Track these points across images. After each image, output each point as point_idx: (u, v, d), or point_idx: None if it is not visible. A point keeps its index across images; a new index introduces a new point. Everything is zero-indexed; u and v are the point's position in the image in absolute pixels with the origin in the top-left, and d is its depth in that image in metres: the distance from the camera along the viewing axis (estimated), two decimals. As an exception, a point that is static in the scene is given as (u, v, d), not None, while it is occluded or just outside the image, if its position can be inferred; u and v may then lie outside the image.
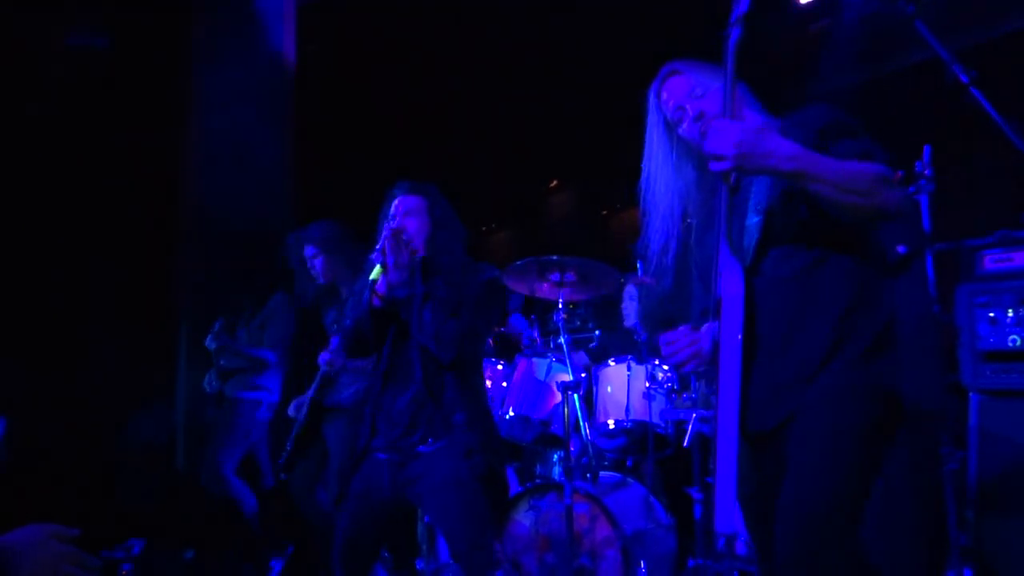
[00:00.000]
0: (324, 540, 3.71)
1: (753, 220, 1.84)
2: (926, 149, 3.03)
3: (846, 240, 1.78)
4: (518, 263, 3.19)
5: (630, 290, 4.23)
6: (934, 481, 2.90)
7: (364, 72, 6.82)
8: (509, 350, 4.49)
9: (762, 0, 1.69)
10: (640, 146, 2.02)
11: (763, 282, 1.81)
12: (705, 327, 1.83)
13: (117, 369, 5.22)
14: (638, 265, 3.99)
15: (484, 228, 9.72)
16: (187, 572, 4.34)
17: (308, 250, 3.72)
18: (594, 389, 3.66)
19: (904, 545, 3.01)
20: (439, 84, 6.93)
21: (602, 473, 3.58)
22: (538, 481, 3.39)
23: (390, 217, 2.60)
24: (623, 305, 4.32)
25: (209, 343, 4.28)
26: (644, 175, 2.00)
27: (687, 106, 1.92)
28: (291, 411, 3.77)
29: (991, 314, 2.76)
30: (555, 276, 3.27)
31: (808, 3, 5.80)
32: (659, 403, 3.50)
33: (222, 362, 4.39)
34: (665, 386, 3.53)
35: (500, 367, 3.73)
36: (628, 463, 3.87)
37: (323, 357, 3.24)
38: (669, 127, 1.97)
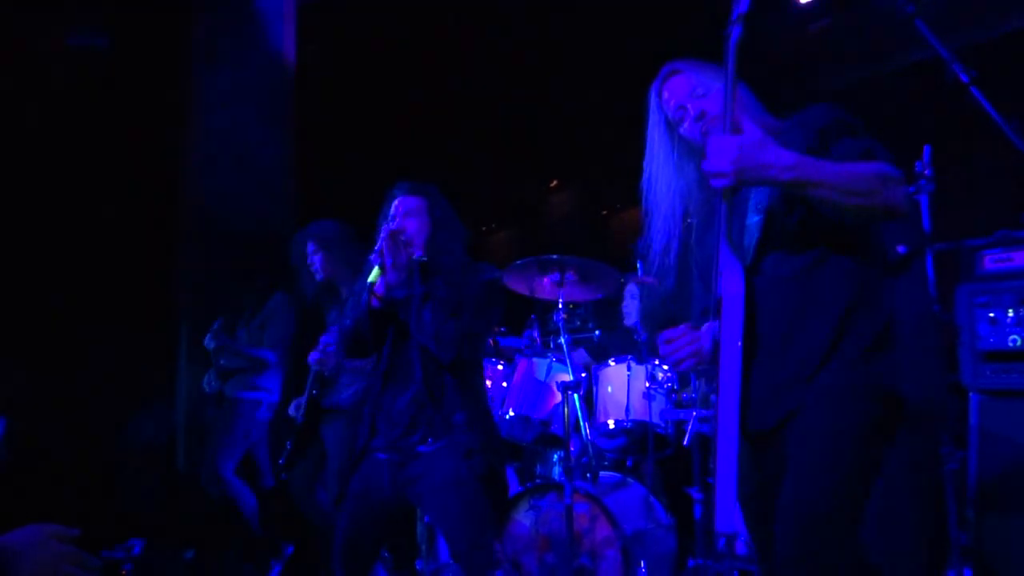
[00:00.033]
0: (324, 540, 3.72)
1: (753, 219, 1.84)
2: (926, 149, 3.03)
3: (846, 240, 1.78)
4: (518, 263, 3.19)
5: (631, 289, 4.22)
6: (934, 481, 2.90)
7: (364, 72, 6.81)
8: (509, 350, 4.48)
9: (762, 0, 1.69)
10: (641, 146, 2.01)
11: (763, 281, 1.81)
12: (705, 326, 1.82)
13: (117, 369, 5.23)
14: (638, 265, 3.99)
15: (484, 228, 9.72)
16: (187, 572, 4.34)
17: (309, 246, 3.73)
18: (594, 389, 3.65)
19: (904, 545, 3.00)
20: (439, 84, 6.93)
21: (602, 473, 3.57)
22: (538, 481, 3.39)
23: (390, 218, 2.60)
24: (624, 304, 4.31)
25: (208, 342, 4.29)
26: (646, 175, 2.00)
27: (688, 105, 1.91)
28: (291, 411, 3.78)
29: (991, 314, 2.76)
30: (555, 276, 3.27)
31: (808, 3, 5.81)
32: (659, 403, 3.49)
33: (222, 362, 4.40)
34: (665, 386, 3.53)
35: (500, 367, 3.73)
36: (628, 463, 3.87)
37: (313, 356, 3.24)
38: (670, 127, 1.97)
